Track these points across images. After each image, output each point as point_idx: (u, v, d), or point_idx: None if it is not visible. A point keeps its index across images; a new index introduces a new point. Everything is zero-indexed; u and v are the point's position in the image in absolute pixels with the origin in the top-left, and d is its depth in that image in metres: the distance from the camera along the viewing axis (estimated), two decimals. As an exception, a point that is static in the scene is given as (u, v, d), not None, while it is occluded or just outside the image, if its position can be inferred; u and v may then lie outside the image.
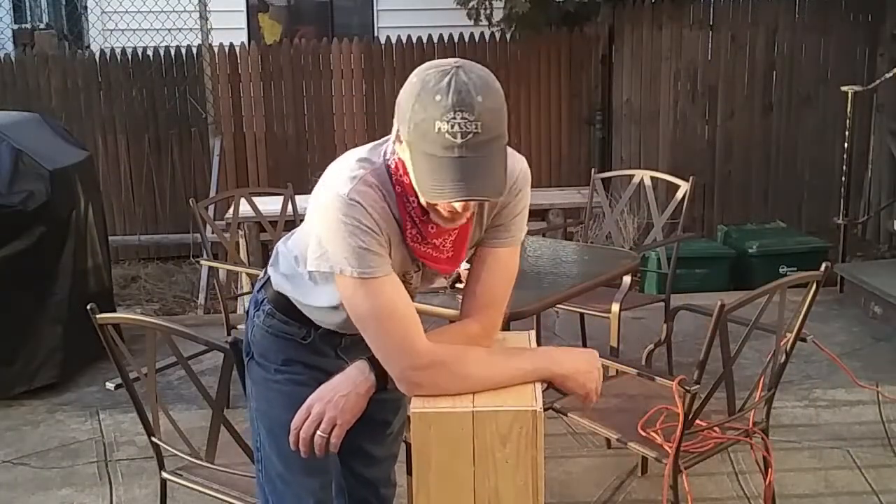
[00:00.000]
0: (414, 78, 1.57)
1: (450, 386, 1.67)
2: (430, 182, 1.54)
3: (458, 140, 1.50)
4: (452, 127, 1.49)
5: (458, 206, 1.59)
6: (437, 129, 1.50)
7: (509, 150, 1.77)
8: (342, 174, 1.67)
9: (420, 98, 1.53)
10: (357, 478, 2.13)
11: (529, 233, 4.34)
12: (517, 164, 1.78)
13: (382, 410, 2.01)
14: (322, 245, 1.66)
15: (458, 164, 1.51)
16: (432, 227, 1.70)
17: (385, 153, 1.70)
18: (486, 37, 7.08)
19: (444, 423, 1.56)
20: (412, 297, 1.81)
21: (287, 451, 1.76)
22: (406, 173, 1.63)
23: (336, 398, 1.70)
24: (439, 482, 1.57)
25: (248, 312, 2.03)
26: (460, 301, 1.85)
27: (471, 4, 6.91)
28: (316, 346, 1.93)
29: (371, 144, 1.74)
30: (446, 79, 1.51)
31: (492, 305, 1.81)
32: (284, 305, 1.91)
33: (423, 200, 1.62)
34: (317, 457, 1.72)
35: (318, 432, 1.69)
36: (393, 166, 1.67)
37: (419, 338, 1.69)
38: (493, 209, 1.78)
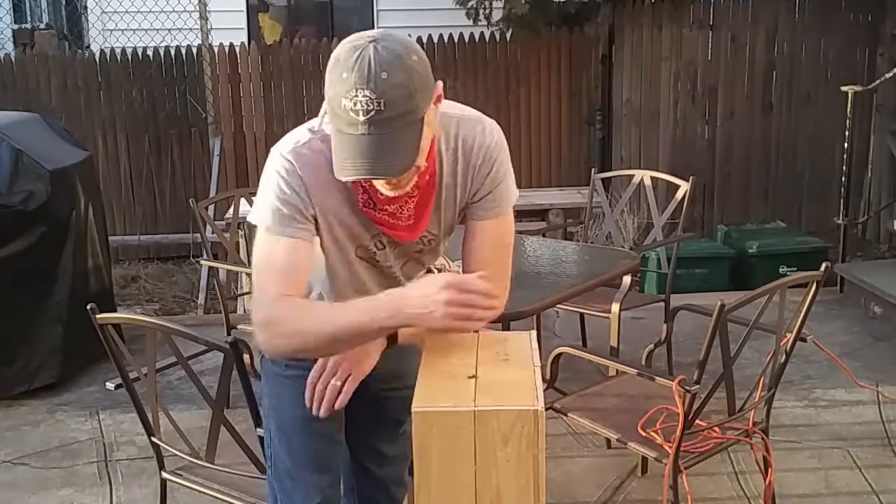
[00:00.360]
0: (334, 52, 1.57)
1: (282, 343, 1.67)
2: (337, 157, 1.55)
3: (361, 117, 1.50)
4: (355, 105, 1.49)
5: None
6: (343, 106, 1.51)
7: (475, 119, 1.75)
8: (290, 137, 1.71)
9: (331, 74, 1.54)
10: (369, 477, 2.14)
11: (529, 233, 4.38)
12: (487, 133, 1.75)
13: (395, 409, 2.02)
14: (258, 196, 1.72)
15: (361, 141, 1.51)
16: (381, 194, 1.69)
17: None
18: (486, 37, 7.08)
19: (446, 421, 1.55)
20: (397, 282, 1.80)
21: (296, 447, 1.76)
22: None
23: (350, 353, 1.74)
24: (441, 481, 1.57)
25: None
26: None
27: (470, 4, 6.89)
28: None
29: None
30: (355, 55, 1.51)
31: (490, 279, 1.75)
32: None
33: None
34: (325, 450, 1.73)
35: (333, 380, 1.74)
36: None
37: (274, 293, 1.65)
38: (467, 178, 1.76)
